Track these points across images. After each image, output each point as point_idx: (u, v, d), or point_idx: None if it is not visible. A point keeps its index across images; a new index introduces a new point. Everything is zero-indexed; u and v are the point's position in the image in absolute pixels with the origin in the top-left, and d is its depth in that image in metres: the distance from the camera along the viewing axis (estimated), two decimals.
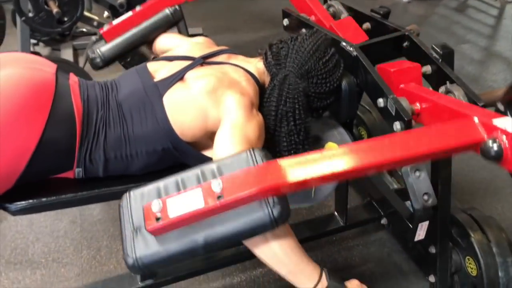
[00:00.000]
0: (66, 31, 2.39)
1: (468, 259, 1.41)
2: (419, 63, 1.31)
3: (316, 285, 1.01)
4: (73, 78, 1.20)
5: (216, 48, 1.34)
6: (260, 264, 1.13)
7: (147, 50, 2.08)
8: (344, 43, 1.36)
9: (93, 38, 2.57)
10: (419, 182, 1.27)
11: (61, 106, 1.09)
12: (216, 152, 1.07)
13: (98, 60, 1.51)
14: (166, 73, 1.22)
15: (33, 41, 2.76)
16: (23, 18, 2.11)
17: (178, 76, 1.20)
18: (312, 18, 1.68)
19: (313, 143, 1.30)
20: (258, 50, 1.33)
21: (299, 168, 0.87)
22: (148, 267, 0.91)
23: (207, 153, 1.20)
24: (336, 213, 1.74)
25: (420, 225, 1.31)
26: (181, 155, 1.20)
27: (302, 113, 1.19)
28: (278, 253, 1.01)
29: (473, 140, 0.86)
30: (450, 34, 3.65)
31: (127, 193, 0.98)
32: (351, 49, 1.33)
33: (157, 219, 0.88)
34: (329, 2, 1.78)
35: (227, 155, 1.00)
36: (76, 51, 2.90)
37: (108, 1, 2.82)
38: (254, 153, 0.96)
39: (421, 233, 1.33)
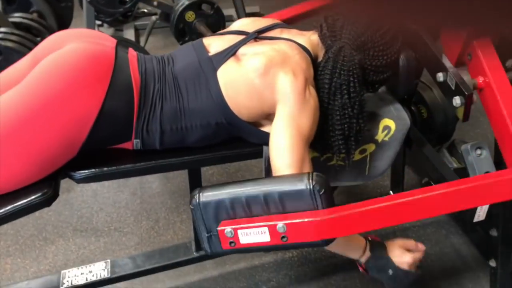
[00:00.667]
0: (128, 11, 2.47)
1: None
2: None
3: (362, 256, 1.22)
4: (132, 53, 1.24)
5: (270, 23, 1.33)
6: None
7: (204, 28, 2.11)
8: None
9: (153, 18, 2.64)
10: (480, 160, 1.21)
11: (120, 78, 1.13)
12: (272, 146, 1.12)
13: None
14: (220, 47, 1.24)
15: (98, 22, 2.87)
16: (89, 0, 2.20)
17: (232, 51, 1.21)
18: None
19: (369, 119, 1.27)
20: (313, 23, 1.31)
21: (357, 222, 1.05)
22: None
23: (263, 129, 1.21)
24: (391, 192, 1.70)
25: (480, 206, 1.25)
26: (236, 130, 1.22)
27: (357, 86, 1.17)
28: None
29: None
30: None
31: (196, 198, 1.06)
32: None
33: (231, 242, 1.06)
34: None
35: (283, 152, 1.09)
36: (137, 31, 2.99)
37: None
38: (313, 189, 1.01)
39: (481, 214, 1.27)
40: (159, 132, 1.17)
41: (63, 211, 1.89)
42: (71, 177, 1.20)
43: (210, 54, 1.23)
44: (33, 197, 1.10)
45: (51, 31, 1.96)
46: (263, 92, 1.15)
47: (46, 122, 1.06)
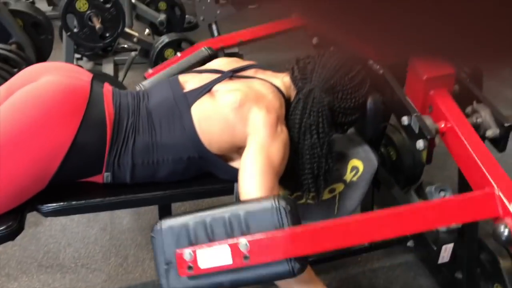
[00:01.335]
0: (108, 46, 2.50)
1: (497, 286, 1.36)
2: None
3: None
4: (107, 87, 1.26)
5: (245, 63, 1.38)
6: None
7: None
8: (371, 61, 1.38)
9: (133, 54, 2.68)
10: None
11: (94, 112, 1.15)
12: (241, 173, 1.12)
13: None
14: (195, 84, 1.27)
15: (77, 55, 2.89)
16: (69, 33, 2.23)
17: (207, 88, 1.24)
18: None
19: (338, 159, 1.31)
20: (285, 66, 1.36)
21: (323, 238, 0.99)
22: None
23: (233, 164, 1.23)
24: None
25: (444, 247, 1.28)
26: (207, 165, 1.23)
27: (326, 126, 1.21)
28: None
29: (488, 217, 0.87)
30: None
31: (158, 225, 1.03)
32: (378, 67, 1.35)
33: (189, 267, 0.98)
34: None
35: (252, 178, 1.09)
36: (116, 66, 3.02)
37: (149, 18, 2.95)
38: (279, 206, 0.99)
39: (445, 256, 1.30)
40: (131, 165, 1.18)
41: (28, 245, 1.84)
42: (38, 210, 1.18)
43: (185, 90, 1.26)
44: None
45: (29, 63, 1.97)
46: (236, 126, 1.18)
47: (17, 151, 1.06)
